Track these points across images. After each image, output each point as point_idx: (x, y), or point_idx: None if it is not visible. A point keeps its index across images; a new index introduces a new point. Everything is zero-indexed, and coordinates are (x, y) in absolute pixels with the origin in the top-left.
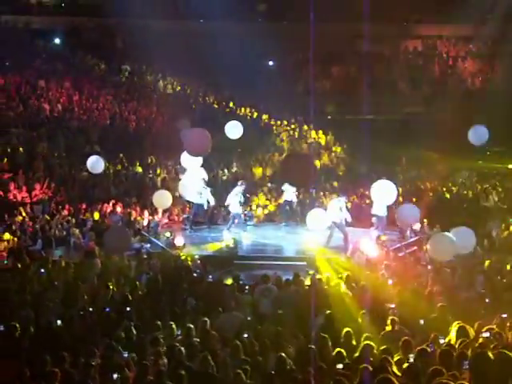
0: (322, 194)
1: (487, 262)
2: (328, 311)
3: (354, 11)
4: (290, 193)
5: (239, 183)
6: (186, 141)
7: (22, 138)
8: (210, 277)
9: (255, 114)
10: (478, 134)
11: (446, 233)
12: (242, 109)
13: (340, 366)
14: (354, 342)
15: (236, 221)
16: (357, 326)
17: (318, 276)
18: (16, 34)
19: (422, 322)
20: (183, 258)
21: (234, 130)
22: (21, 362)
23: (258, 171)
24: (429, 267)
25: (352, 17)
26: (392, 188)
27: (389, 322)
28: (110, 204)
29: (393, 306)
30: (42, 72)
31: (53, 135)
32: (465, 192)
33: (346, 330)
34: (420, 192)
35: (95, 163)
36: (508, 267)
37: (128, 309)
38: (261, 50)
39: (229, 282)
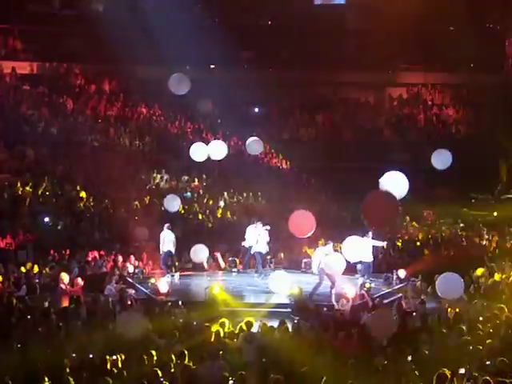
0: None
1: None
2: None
3: (339, 59)
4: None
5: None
6: (292, 221)
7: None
8: (195, 323)
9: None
10: (441, 158)
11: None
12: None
13: None
14: None
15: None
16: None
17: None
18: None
19: None
20: (169, 305)
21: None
22: None
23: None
24: (413, 314)
25: (337, 65)
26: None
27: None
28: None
29: None
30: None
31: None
32: (449, 238)
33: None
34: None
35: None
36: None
37: (114, 357)
38: (246, 97)
39: (215, 328)
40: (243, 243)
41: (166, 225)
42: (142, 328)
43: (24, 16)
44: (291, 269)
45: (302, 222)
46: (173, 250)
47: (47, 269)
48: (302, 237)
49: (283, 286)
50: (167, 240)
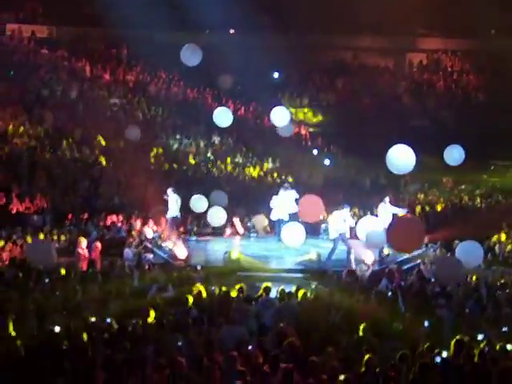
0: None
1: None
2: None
3: (359, 24)
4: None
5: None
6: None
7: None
8: (213, 288)
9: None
10: (453, 155)
11: (451, 255)
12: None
13: (342, 377)
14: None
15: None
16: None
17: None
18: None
19: None
20: (187, 269)
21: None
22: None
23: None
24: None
25: (357, 29)
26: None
27: None
28: (113, 216)
29: None
30: (45, 81)
31: (57, 145)
32: (469, 203)
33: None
34: (423, 205)
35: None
36: None
37: (134, 321)
38: (267, 62)
39: (233, 293)
40: (271, 205)
41: (171, 188)
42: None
43: None
44: (310, 234)
45: (312, 207)
46: (179, 215)
47: (65, 234)
48: (311, 221)
49: (297, 238)
50: (172, 204)
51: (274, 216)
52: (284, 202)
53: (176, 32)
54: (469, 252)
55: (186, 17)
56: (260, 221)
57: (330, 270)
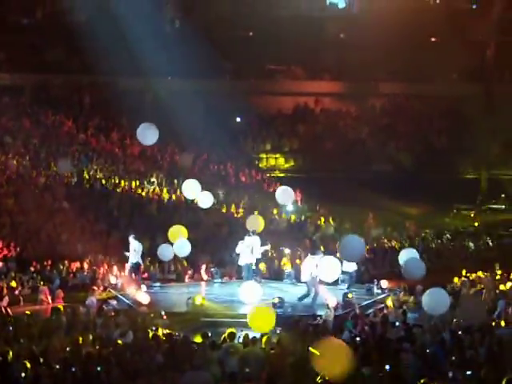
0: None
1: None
2: None
3: (321, 69)
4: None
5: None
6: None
7: None
8: (177, 334)
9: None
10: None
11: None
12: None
13: None
14: None
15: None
16: None
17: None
18: None
19: None
20: (151, 316)
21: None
22: None
23: None
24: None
25: (318, 75)
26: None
27: None
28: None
29: None
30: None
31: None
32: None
33: None
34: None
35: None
36: None
37: (98, 368)
38: (228, 107)
39: (197, 339)
40: (237, 251)
41: (131, 235)
42: None
43: (5, 26)
44: (274, 279)
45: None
46: (140, 261)
47: (29, 280)
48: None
49: (254, 296)
50: (133, 250)
51: (241, 261)
52: (250, 248)
53: (137, 78)
54: (436, 300)
55: (147, 63)
56: (253, 220)
57: (295, 314)
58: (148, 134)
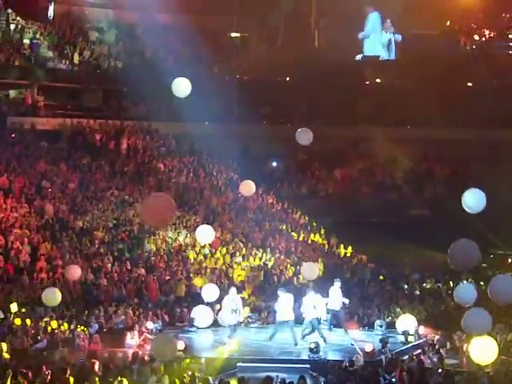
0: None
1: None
2: None
3: (358, 114)
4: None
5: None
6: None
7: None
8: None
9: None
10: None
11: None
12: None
13: None
14: None
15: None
16: None
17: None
18: (22, 135)
19: None
20: (187, 361)
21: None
22: None
23: None
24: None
25: (354, 120)
26: None
27: None
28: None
29: None
30: (46, 173)
31: (57, 236)
32: None
33: None
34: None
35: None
36: None
37: None
38: (265, 151)
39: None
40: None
41: None
42: None
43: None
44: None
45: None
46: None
47: (65, 324)
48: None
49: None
50: None
51: (307, 317)
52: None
53: (174, 123)
54: (475, 319)
55: (184, 108)
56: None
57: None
58: (305, 137)
